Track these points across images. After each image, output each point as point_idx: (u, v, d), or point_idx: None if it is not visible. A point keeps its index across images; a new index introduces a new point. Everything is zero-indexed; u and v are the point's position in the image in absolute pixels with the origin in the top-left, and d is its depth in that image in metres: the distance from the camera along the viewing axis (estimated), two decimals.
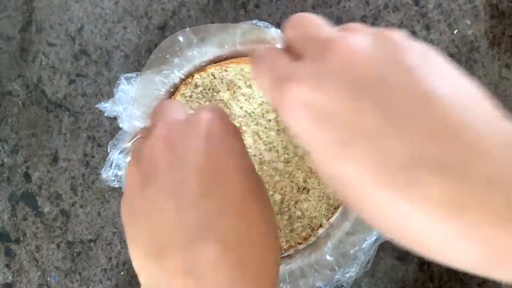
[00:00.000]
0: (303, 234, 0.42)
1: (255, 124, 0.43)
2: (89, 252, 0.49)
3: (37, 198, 0.49)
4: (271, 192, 0.43)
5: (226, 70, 0.42)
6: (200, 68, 0.43)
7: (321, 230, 0.43)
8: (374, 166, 0.18)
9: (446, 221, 0.17)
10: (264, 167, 0.43)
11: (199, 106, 0.40)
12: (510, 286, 0.21)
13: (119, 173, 0.43)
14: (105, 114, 0.43)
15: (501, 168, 0.17)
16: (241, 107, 0.43)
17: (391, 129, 0.18)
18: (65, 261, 0.49)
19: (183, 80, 0.43)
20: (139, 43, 0.49)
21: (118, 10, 0.49)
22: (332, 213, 0.42)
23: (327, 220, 0.42)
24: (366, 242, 0.41)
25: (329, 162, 0.20)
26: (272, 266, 0.24)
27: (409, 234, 0.19)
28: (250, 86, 0.42)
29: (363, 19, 0.47)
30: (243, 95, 0.42)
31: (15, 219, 0.50)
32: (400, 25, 0.47)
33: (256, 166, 0.41)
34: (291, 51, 0.23)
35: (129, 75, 0.43)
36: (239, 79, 0.42)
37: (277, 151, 0.43)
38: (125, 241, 0.48)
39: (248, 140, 0.43)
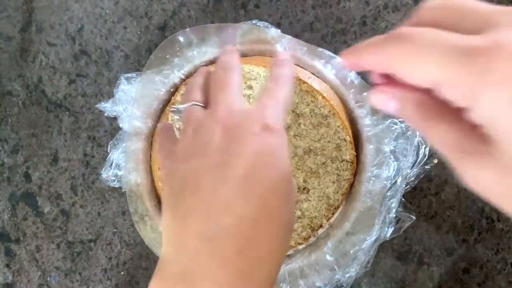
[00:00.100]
0: (303, 234, 0.42)
1: None
2: (89, 252, 0.49)
3: (37, 198, 0.49)
4: None
5: None
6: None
7: (321, 231, 0.43)
8: None
9: None
10: None
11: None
12: None
13: (119, 173, 0.43)
14: (105, 114, 0.43)
15: None
16: None
17: None
18: (65, 261, 0.49)
19: (183, 80, 0.43)
20: (139, 43, 0.49)
21: (118, 10, 0.49)
22: (332, 214, 0.42)
23: (327, 220, 0.42)
24: (366, 242, 0.41)
25: None
26: (275, 255, 0.27)
27: None
28: (250, 87, 0.42)
29: (363, 19, 0.47)
30: (243, 95, 0.42)
31: (15, 219, 0.50)
32: (400, 25, 0.47)
33: None
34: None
35: (129, 75, 0.43)
36: None
37: None
38: (125, 241, 0.48)
39: None
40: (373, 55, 0.21)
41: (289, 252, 0.43)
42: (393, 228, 0.43)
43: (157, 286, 0.26)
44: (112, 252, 0.49)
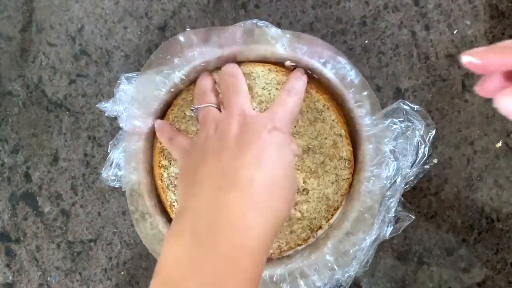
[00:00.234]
0: (303, 235, 0.42)
1: None
2: (89, 252, 0.49)
3: (38, 198, 0.49)
4: None
5: None
6: (201, 71, 0.43)
7: (320, 232, 0.43)
8: None
9: None
10: None
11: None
12: None
13: (119, 172, 0.43)
14: (106, 114, 0.43)
15: None
16: None
17: None
18: (65, 261, 0.49)
19: (183, 80, 0.43)
20: (139, 43, 0.49)
21: (118, 10, 0.49)
22: (332, 215, 0.42)
23: (327, 221, 0.42)
24: (365, 242, 0.41)
25: None
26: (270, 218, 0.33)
27: None
28: (250, 87, 0.42)
29: (363, 20, 0.47)
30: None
31: (16, 219, 0.50)
32: (400, 25, 0.47)
33: None
34: None
35: (130, 74, 0.43)
36: None
37: None
38: (125, 241, 0.48)
39: None
40: (504, 55, 0.25)
41: (289, 253, 0.43)
42: (392, 228, 0.43)
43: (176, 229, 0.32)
44: (112, 252, 0.49)
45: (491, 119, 0.47)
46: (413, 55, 0.47)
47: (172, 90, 0.43)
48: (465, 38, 0.47)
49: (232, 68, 0.40)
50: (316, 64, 0.42)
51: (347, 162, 0.42)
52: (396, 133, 0.42)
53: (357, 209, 0.42)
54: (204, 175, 0.33)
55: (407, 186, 0.43)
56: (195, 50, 0.42)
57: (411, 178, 0.43)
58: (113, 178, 0.43)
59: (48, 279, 0.49)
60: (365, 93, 0.42)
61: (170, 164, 0.43)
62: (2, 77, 0.50)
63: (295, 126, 0.42)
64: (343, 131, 0.42)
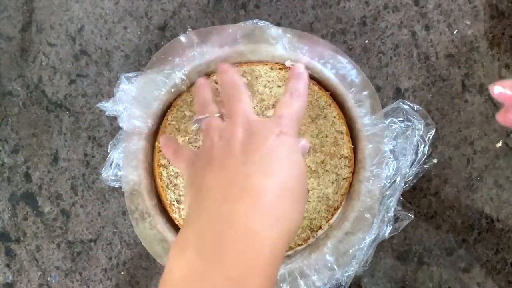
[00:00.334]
0: (303, 235, 0.42)
1: None
2: (89, 252, 0.49)
3: (38, 198, 0.49)
4: None
5: None
6: (201, 71, 0.43)
7: (320, 232, 0.43)
8: None
9: None
10: None
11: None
12: None
13: (119, 173, 0.43)
14: (106, 114, 0.43)
15: None
16: None
17: None
18: (65, 261, 0.49)
19: (184, 80, 0.43)
20: (139, 43, 0.49)
21: (118, 10, 0.49)
22: (332, 215, 0.42)
23: (327, 221, 0.42)
24: (365, 242, 0.41)
25: None
26: (280, 223, 0.30)
27: None
28: (251, 85, 0.42)
29: (363, 20, 0.47)
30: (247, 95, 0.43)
31: (16, 219, 0.50)
32: (400, 25, 0.47)
33: None
34: None
35: (130, 74, 0.43)
36: None
37: None
38: (125, 241, 0.48)
39: None
40: None
41: (289, 253, 0.43)
42: (391, 227, 0.43)
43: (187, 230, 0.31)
44: (112, 252, 0.49)
45: (491, 119, 0.47)
46: (413, 55, 0.47)
47: (172, 90, 0.43)
48: (465, 38, 0.47)
49: (231, 76, 0.38)
50: (316, 64, 0.42)
51: (347, 161, 0.42)
52: (396, 133, 0.42)
53: (357, 209, 0.42)
54: (210, 184, 0.31)
55: (407, 185, 0.43)
56: (195, 50, 0.42)
57: (411, 178, 0.43)
58: (113, 178, 0.43)
59: (48, 279, 0.49)
60: (366, 92, 0.42)
61: (169, 163, 0.43)
62: (2, 77, 0.50)
63: None
64: (344, 127, 0.42)
